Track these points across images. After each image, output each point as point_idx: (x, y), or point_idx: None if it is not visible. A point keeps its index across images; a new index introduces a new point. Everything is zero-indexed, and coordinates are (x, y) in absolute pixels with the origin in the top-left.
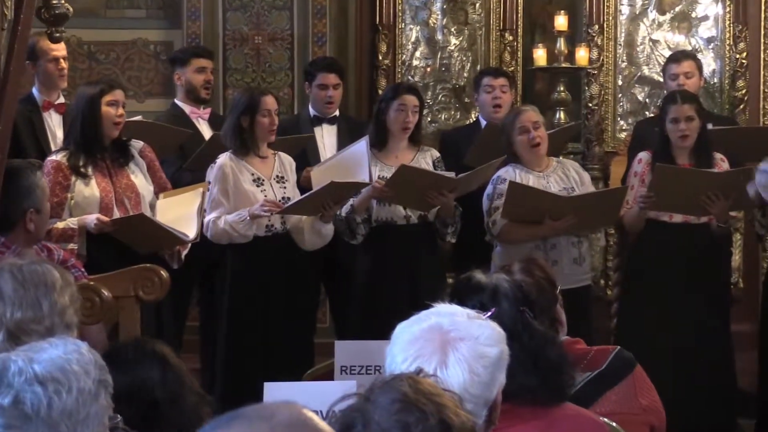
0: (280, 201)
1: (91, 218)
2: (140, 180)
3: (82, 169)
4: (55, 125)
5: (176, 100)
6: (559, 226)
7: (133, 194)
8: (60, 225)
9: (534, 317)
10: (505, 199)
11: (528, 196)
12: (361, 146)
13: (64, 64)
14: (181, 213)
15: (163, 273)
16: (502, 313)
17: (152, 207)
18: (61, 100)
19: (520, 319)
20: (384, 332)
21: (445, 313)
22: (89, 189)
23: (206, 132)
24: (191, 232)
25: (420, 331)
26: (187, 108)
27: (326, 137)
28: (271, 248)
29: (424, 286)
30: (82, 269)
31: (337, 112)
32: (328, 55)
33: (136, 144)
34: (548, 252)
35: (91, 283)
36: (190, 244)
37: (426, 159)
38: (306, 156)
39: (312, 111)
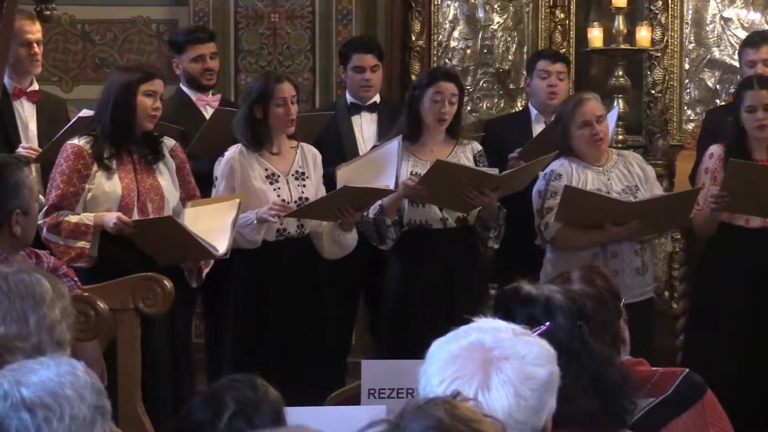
0: (296, 201)
1: (111, 216)
2: (167, 182)
3: (105, 161)
4: (27, 115)
5: (182, 86)
6: (621, 231)
7: (157, 197)
8: (73, 219)
9: (593, 333)
10: (559, 203)
11: (586, 201)
12: (392, 147)
13: (37, 49)
14: (212, 225)
15: (167, 283)
16: (557, 329)
17: (176, 215)
18: (35, 86)
19: (578, 335)
20: (417, 350)
21: (487, 329)
22: (111, 184)
23: None
24: (221, 246)
25: (459, 348)
26: (193, 95)
27: (365, 127)
28: (283, 255)
29: (463, 297)
30: (75, 278)
31: (377, 98)
32: (354, 35)
33: (168, 142)
34: (608, 260)
35: (86, 294)
36: (212, 261)
37: (466, 153)
38: (342, 149)
39: (349, 98)
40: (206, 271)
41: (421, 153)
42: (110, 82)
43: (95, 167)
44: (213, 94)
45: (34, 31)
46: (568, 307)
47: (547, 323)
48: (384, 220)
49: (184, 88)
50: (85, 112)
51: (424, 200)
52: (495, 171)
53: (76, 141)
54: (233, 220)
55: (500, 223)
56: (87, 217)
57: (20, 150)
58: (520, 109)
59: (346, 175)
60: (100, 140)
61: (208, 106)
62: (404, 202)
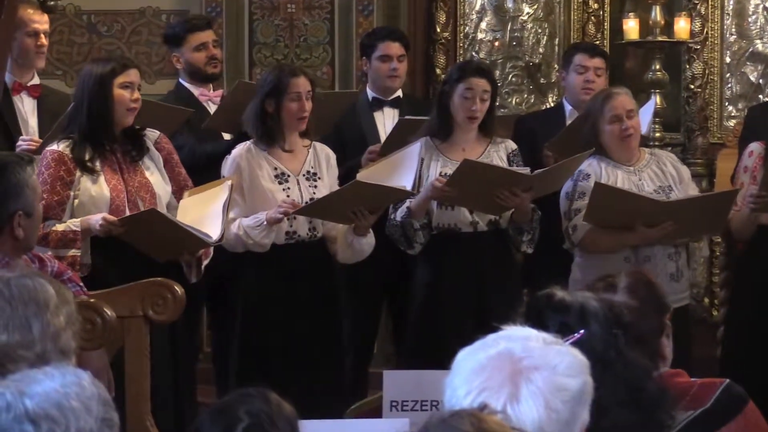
0: (307, 203)
1: (96, 218)
2: (156, 177)
3: (88, 163)
4: (27, 111)
5: (181, 80)
6: (654, 234)
7: (147, 194)
8: (59, 227)
9: (630, 346)
10: (588, 201)
11: (617, 200)
12: (414, 148)
13: (44, 41)
14: (203, 211)
15: (178, 288)
16: (591, 337)
17: (170, 209)
18: (36, 80)
19: (614, 345)
20: (444, 360)
21: (516, 338)
22: (97, 187)
23: None
24: (214, 232)
25: (487, 358)
26: (195, 89)
27: (388, 123)
28: (293, 260)
29: (494, 306)
30: (81, 284)
31: (399, 93)
32: (375, 26)
33: (151, 134)
34: (640, 265)
35: (92, 300)
36: (212, 253)
37: (499, 153)
38: (365, 146)
39: (370, 93)
40: (206, 262)
41: (452, 152)
42: (82, 78)
43: (78, 172)
44: (214, 89)
45: (43, 21)
46: (604, 314)
47: (581, 331)
48: (412, 223)
49: (185, 83)
50: None
51: (452, 202)
52: (527, 170)
53: (55, 146)
54: (225, 203)
55: (534, 226)
56: (73, 224)
57: (20, 143)
58: (553, 104)
59: (367, 175)
60: (79, 142)
61: (210, 101)
62: (432, 204)
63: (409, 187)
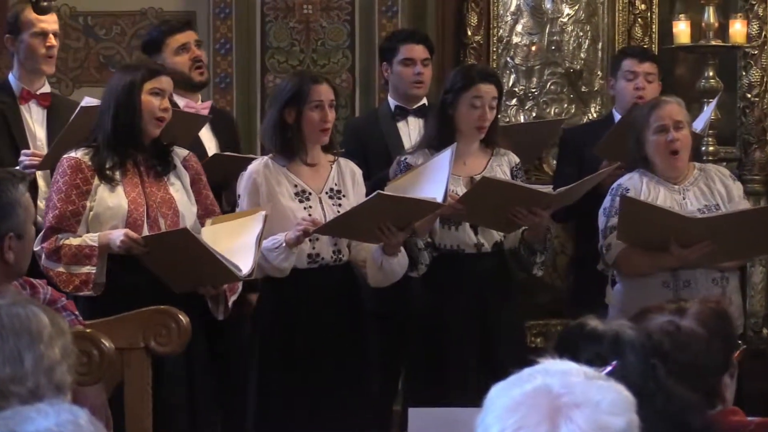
0: None
1: (118, 234)
2: (181, 195)
3: (108, 172)
4: (35, 122)
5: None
6: (690, 254)
7: (170, 211)
8: (74, 241)
9: (684, 381)
10: (619, 218)
11: (647, 215)
12: (444, 156)
13: (53, 41)
14: (233, 242)
15: (182, 318)
16: (627, 368)
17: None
18: (46, 89)
19: (652, 376)
20: (449, 393)
21: (555, 372)
22: (114, 197)
23: (205, 135)
24: (245, 265)
25: (522, 394)
26: (180, 100)
27: (413, 134)
28: (316, 285)
29: (498, 333)
30: (76, 312)
31: (424, 101)
32: (400, 28)
33: (180, 152)
34: (680, 290)
35: (88, 330)
36: (240, 288)
37: (502, 166)
38: (389, 159)
39: (392, 102)
40: (233, 298)
41: (453, 166)
42: (111, 84)
43: (96, 181)
44: (202, 100)
45: (51, 21)
46: (640, 343)
47: (614, 362)
48: (415, 242)
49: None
50: (88, 101)
51: (461, 220)
52: (548, 188)
53: (73, 153)
54: (258, 237)
55: (548, 245)
56: (90, 238)
57: (22, 158)
58: (595, 115)
59: (395, 188)
60: (102, 150)
61: (198, 114)
62: (435, 222)
63: (439, 199)
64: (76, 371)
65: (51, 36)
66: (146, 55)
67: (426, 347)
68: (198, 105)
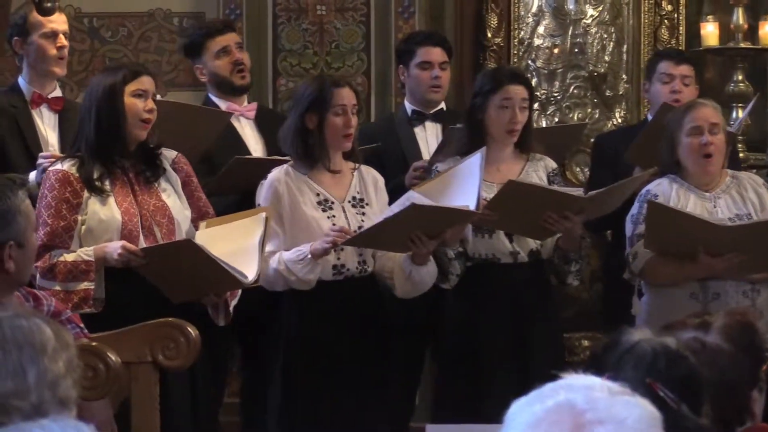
0: (355, 232)
1: (115, 246)
2: (174, 201)
3: (97, 183)
4: (47, 127)
5: (210, 94)
6: (717, 264)
7: (165, 219)
8: (69, 257)
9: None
10: (645, 224)
11: (673, 222)
12: (474, 161)
13: (64, 42)
14: (232, 246)
15: (192, 331)
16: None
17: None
18: (58, 92)
19: (648, 396)
20: (483, 410)
21: (578, 387)
22: (107, 210)
23: (250, 137)
24: (250, 271)
25: (544, 411)
26: (223, 104)
27: (431, 140)
28: (342, 298)
29: (536, 346)
30: (81, 325)
31: (442, 106)
32: (417, 30)
33: (168, 153)
34: (708, 303)
35: (94, 344)
36: (239, 293)
37: (538, 172)
38: (407, 165)
39: (409, 106)
40: (233, 303)
41: (486, 172)
42: (90, 89)
43: (86, 193)
44: (246, 103)
45: (60, 21)
46: (649, 358)
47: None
48: (445, 251)
49: (213, 97)
50: None
51: (492, 226)
52: (580, 191)
53: (59, 165)
54: (260, 240)
55: (583, 254)
56: (85, 252)
57: (41, 160)
58: (620, 120)
59: (419, 197)
60: (86, 160)
61: (242, 117)
62: (468, 231)
63: (472, 207)
64: (81, 386)
65: (61, 36)
66: (187, 57)
67: (460, 361)
68: (242, 108)
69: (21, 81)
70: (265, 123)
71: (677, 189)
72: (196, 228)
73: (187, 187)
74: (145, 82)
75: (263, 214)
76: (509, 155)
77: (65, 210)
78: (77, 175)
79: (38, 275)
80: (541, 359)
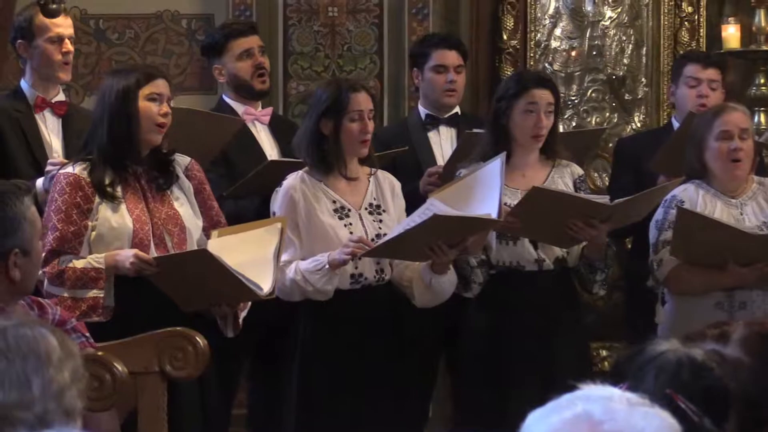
0: (373, 239)
1: (127, 255)
2: (186, 209)
3: (108, 189)
4: (51, 132)
5: (225, 96)
6: (747, 274)
7: (176, 228)
8: (78, 264)
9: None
10: (673, 231)
11: (703, 229)
12: (494, 167)
13: (70, 47)
14: (248, 257)
15: (200, 340)
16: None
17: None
18: (61, 96)
19: (668, 407)
20: (507, 421)
21: (596, 398)
22: (118, 217)
23: (265, 141)
24: (265, 283)
25: (561, 422)
26: (239, 107)
27: (445, 144)
28: (359, 307)
29: (562, 356)
30: (87, 334)
31: (457, 110)
32: (431, 32)
33: (182, 160)
34: (734, 312)
35: (100, 353)
36: (249, 304)
37: (564, 179)
38: (420, 171)
39: (423, 110)
40: (243, 315)
41: (510, 178)
42: (102, 92)
43: (97, 199)
44: (261, 108)
45: (66, 24)
46: (671, 369)
47: (622, 385)
48: (467, 259)
49: (228, 99)
50: None
51: (516, 234)
52: (605, 199)
53: (70, 169)
54: (276, 251)
55: (609, 263)
56: (96, 260)
57: (49, 167)
58: (639, 125)
59: (437, 203)
60: (98, 165)
61: (257, 121)
62: (491, 238)
63: (494, 215)
64: (86, 396)
65: (67, 41)
66: (206, 57)
67: (484, 372)
68: (257, 112)
69: (24, 85)
70: (278, 129)
71: (703, 195)
72: (208, 237)
73: (200, 195)
74: (161, 86)
75: (278, 225)
76: (534, 161)
77: (75, 215)
78: (88, 179)
79: (46, 281)
80: (567, 371)
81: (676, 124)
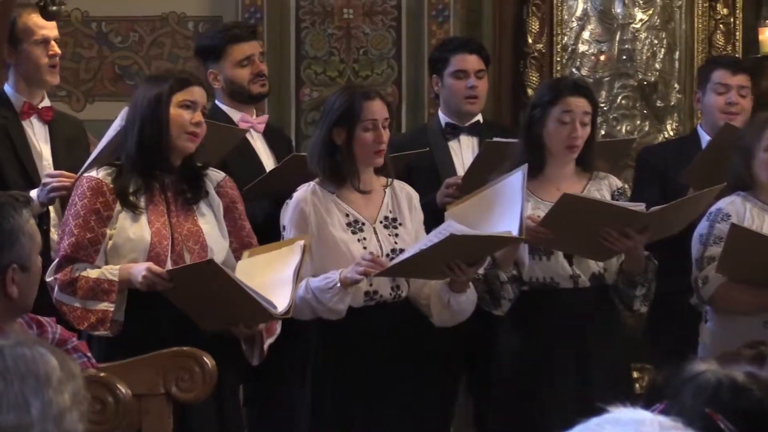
0: (388, 255)
1: (139, 268)
2: (211, 227)
3: (131, 197)
4: (39, 138)
5: (218, 102)
6: None
7: (197, 246)
8: (92, 274)
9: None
10: (723, 248)
11: (757, 248)
12: (515, 180)
13: (57, 49)
14: (269, 277)
15: (208, 361)
16: (679, 411)
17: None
18: (47, 102)
19: (706, 428)
20: None
21: (626, 422)
22: (137, 228)
23: (261, 151)
24: (281, 303)
25: None
26: (234, 113)
27: (465, 154)
28: (373, 325)
29: (599, 379)
30: (88, 354)
31: (479, 117)
32: (452, 35)
33: (215, 176)
34: None
35: (103, 374)
36: (278, 330)
37: (602, 190)
38: (439, 181)
39: (443, 118)
40: (269, 341)
41: (544, 191)
42: (135, 98)
43: (118, 206)
44: (257, 114)
45: (51, 26)
46: (710, 389)
47: (660, 405)
48: (497, 274)
49: (223, 106)
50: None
51: (547, 245)
52: (641, 207)
53: (93, 173)
54: (296, 269)
55: (650, 277)
56: (110, 271)
57: (47, 179)
58: (672, 133)
59: (457, 216)
60: (125, 171)
61: (253, 129)
62: (523, 252)
63: (514, 232)
64: (88, 419)
65: (53, 43)
66: (201, 59)
67: (515, 394)
68: (253, 120)
69: (8, 90)
70: (273, 139)
71: (750, 208)
72: (238, 258)
73: (230, 214)
74: (195, 93)
75: (301, 243)
76: (570, 173)
77: (93, 221)
78: (111, 185)
79: (57, 288)
80: (606, 396)
81: (702, 134)
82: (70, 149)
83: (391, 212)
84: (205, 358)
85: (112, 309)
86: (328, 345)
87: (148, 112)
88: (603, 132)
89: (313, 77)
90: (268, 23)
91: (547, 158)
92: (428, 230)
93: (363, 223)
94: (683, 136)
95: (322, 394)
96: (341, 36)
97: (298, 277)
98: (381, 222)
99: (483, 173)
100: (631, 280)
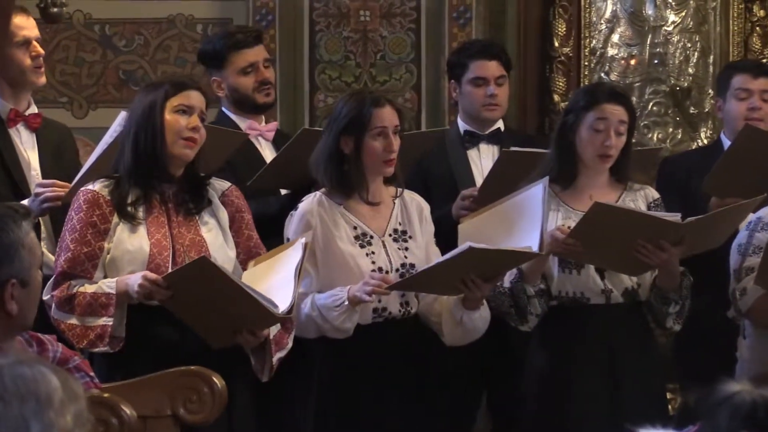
0: (398, 269)
1: (135, 278)
2: (214, 237)
3: (129, 208)
4: (27, 147)
5: (225, 109)
6: None
7: (198, 255)
8: (90, 289)
9: None
10: (762, 260)
11: None
12: (536, 192)
13: (40, 49)
14: (271, 278)
15: (217, 381)
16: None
17: None
18: (34, 109)
19: None
20: None
21: None
22: (135, 239)
23: (269, 158)
24: (282, 301)
25: None
26: (241, 121)
27: (485, 163)
28: (381, 343)
29: (632, 400)
30: (91, 373)
31: (500, 125)
32: (474, 38)
33: (219, 185)
34: None
35: (106, 395)
36: (290, 344)
37: (636, 201)
38: (456, 191)
39: (462, 125)
40: (279, 355)
41: (576, 201)
42: (132, 107)
43: (115, 218)
44: (266, 120)
45: (31, 26)
46: (746, 409)
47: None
48: (524, 288)
49: (229, 113)
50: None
51: (577, 258)
52: (677, 217)
53: (90, 186)
54: (297, 266)
55: (684, 294)
56: (107, 285)
57: (39, 189)
58: (706, 141)
59: (470, 229)
60: (123, 182)
61: (261, 137)
62: (552, 266)
63: (534, 247)
64: None
65: (35, 43)
66: (204, 66)
67: (545, 414)
68: (261, 127)
69: None
70: (282, 144)
71: None
72: (245, 269)
73: (236, 224)
74: (192, 97)
75: (302, 240)
76: (603, 183)
77: (90, 235)
78: (108, 197)
79: (54, 306)
80: (640, 418)
81: (725, 141)
82: (59, 157)
83: (400, 224)
84: (214, 378)
85: (111, 323)
86: (333, 363)
87: (143, 120)
88: (633, 140)
89: (327, 82)
90: (280, 26)
91: (580, 167)
92: (441, 244)
93: (371, 236)
94: (705, 145)
95: (326, 414)
96: (357, 39)
97: (299, 274)
98: (390, 235)
99: (500, 185)
100: (664, 296)
